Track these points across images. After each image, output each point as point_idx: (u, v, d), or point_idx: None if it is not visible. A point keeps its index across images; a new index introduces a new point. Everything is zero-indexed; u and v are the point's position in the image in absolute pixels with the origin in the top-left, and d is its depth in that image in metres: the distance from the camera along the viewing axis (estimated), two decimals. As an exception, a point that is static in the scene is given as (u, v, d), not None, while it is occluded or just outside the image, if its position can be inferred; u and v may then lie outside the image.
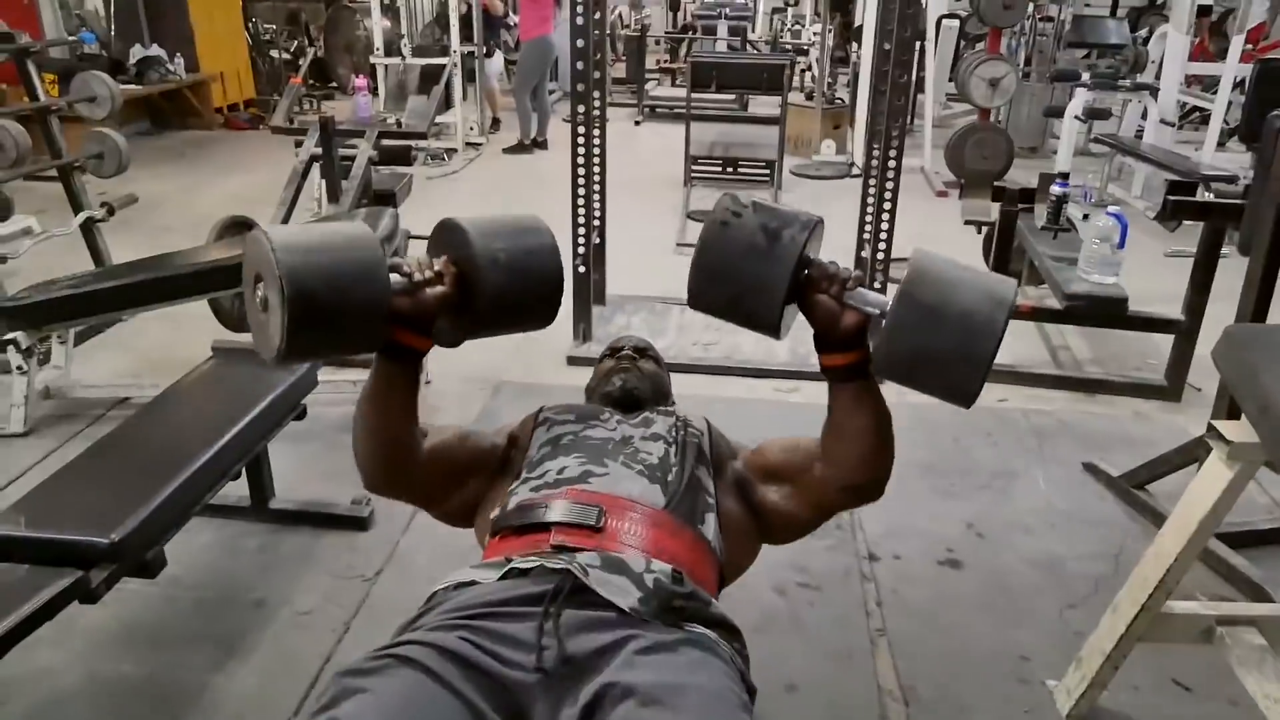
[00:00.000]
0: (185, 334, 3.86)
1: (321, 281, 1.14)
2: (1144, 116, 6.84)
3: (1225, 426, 1.70)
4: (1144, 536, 2.65)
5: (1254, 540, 2.58)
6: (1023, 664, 2.15)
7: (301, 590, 2.33)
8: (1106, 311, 3.38)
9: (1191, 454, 2.59)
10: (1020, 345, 3.88)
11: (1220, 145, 7.22)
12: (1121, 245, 3.44)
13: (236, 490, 2.55)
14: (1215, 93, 6.48)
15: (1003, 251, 3.43)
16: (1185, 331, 3.38)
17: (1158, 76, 6.73)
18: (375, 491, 1.49)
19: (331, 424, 2.99)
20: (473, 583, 1.25)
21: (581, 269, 3.75)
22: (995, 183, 3.33)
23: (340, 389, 3.24)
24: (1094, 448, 3.12)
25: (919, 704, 2.02)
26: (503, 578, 1.23)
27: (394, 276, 1.25)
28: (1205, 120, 8.12)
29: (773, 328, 1.28)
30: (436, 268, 1.30)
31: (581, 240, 3.73)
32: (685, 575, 1.24)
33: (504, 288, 1.29)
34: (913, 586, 2.41)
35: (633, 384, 1.71)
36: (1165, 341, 3.70)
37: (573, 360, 3.76)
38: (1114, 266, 3.44)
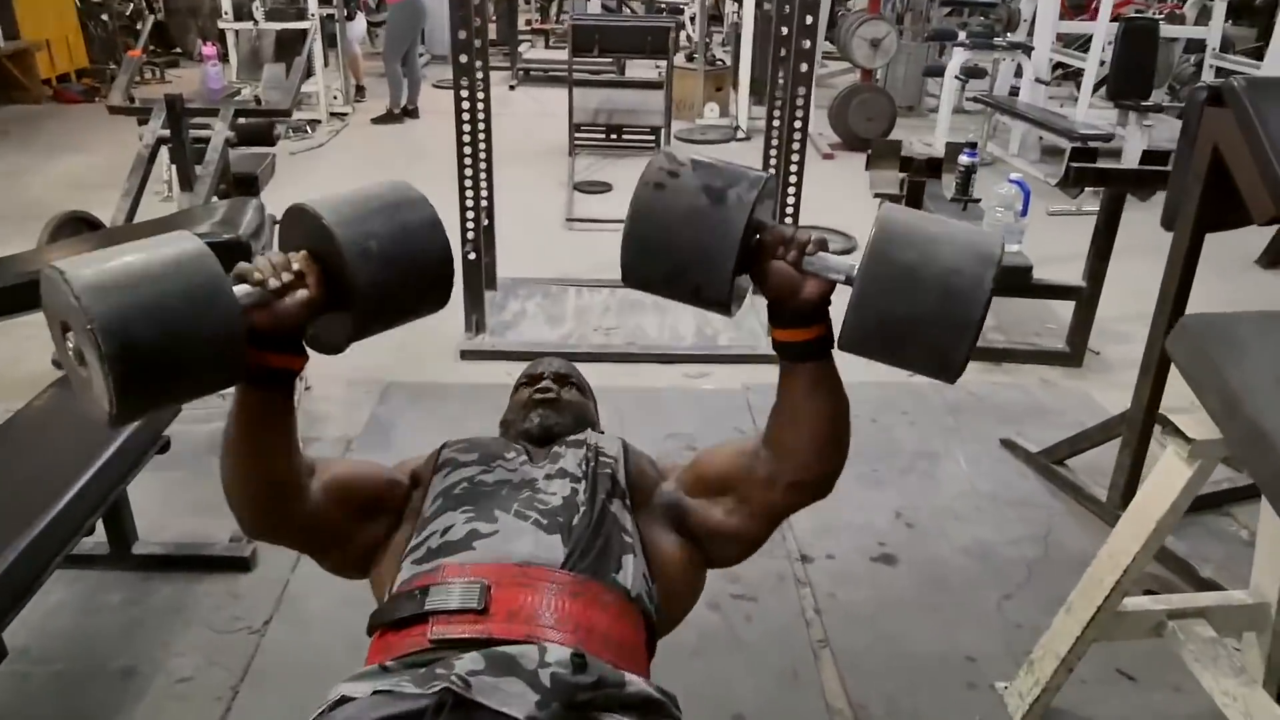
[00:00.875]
0: (19, 347, 3.41)
1: (147, 324, 0.90)
2: (1017, 74, 6.95)
3: (1183, 422, 1.62)
4: (1069, 515, 2.63)
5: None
6: (969, 666, 2.07)
7: (177, 651, 2.03)
8: (1012, 281, 3.35)
9: (1113, 431, 2.57)
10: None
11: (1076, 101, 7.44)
12: (1024, 213, 3.42)
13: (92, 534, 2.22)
14: (1086, 50, 6.61)
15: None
16: (1087, 298, 3.39)
17: (1030, 35, 6.83)
18: (256, 539, 1.28)
19: (199, 446, 2.66)
20: (343, 700, 1.03)
21: (472, 255, 3.47)
22: (903, 153, 3.23)
23: (207, 403, 2.89)
24: (1008, 421, 3.10)
25: (871, 722, 1.92)
26: (376, 692, 1.01)
27: (242, 289, 1.02)
28: (1070, 76, 8.37)
29: (723, 304, 1.09)
30: (295, 267, 1.06)
31: (470, 224, 3.45)
32: (588, 657, 1.04)
33: (382, 279, 1.07)
34: (850, 587, 2.30)
35: (551, 421, 1.49)
36: (1062, 305, 3.73)
37: (466, 354, 3.50)
38: (1017, 234, 3.42)
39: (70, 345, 0.95)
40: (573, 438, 1.42)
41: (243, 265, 1.05)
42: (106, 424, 0.93)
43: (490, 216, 3.88)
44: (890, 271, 1.03)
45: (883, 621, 2.20)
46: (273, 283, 1.03)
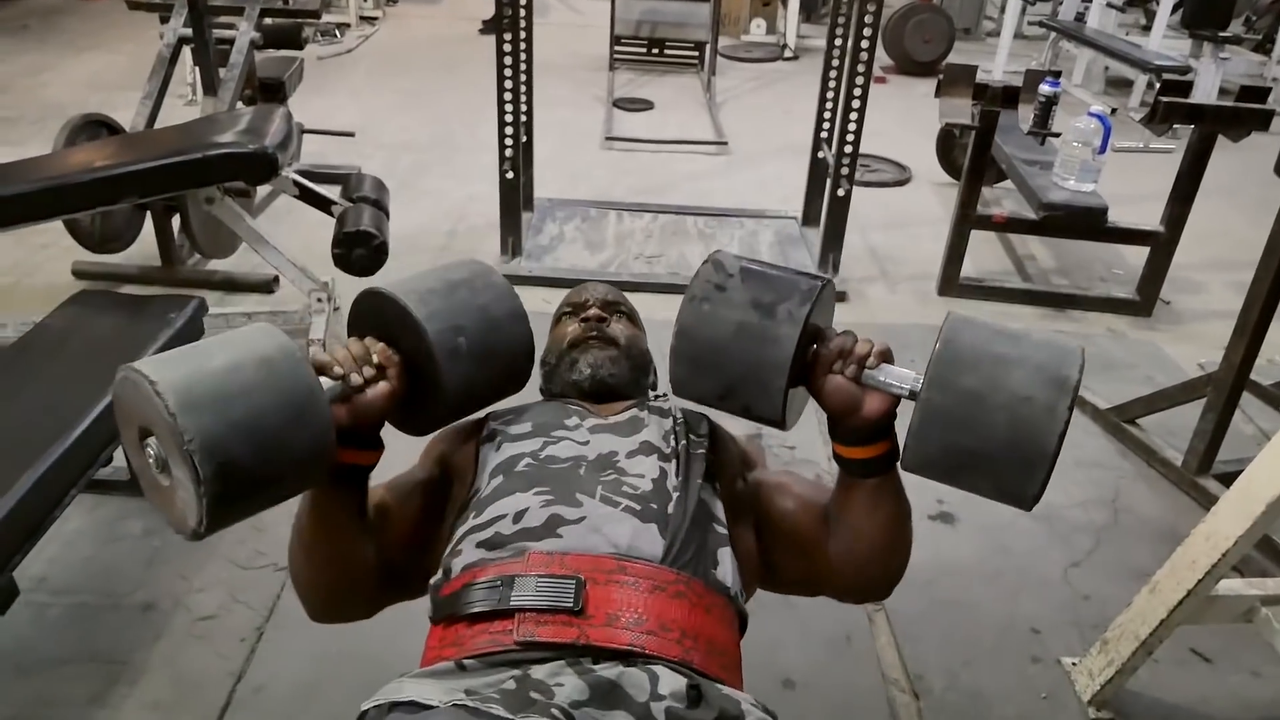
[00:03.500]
0: (35, 256, 3.29)
1: (244, 444, 0.86)
2: (1085, -1, 6.55)
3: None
4: (1139, 479, 2.47)
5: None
6: (1034, 639, 1.95)
7: (199, 587, 1.94)
8: (1085, 223, 3.14)
9: (1196, 391, 2.39)
10: (984, 255, 3.63)
11: (1144, 29, 7.02)
12: (1103, 149, 3.18)
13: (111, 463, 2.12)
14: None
15: (980, 158, 3.11)
16: (1165, 244, 3.17)
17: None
18: (326, 621, 1.18)
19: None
20: (411, 705, 0.89)
21: (510, 174, 3.29)
22: (976, 80, 2.98)
23: (232, 322, 2.76)
24: (1073, 373, 2.92)
25: (930, 696, 1.80)
26: (457, 706, 0.88)
27: (322, 379, 0.97)
28: (1137, 2, 7.90)
29: (777, 420, 1.03)
30: (376, 360, 1.02)
31: (509, 141, 3.25)
32: (704, 686, 0.91)
33: (471, 379, 1.06)
34: (905, 548, 2.17)
35: (605, 372, 1.31)
36: (1130, 249, 3.51)
37: (501, 279, 3.34)
38: (1094, 173, 3.19)
39: (151, 454, 0.89)
40: (653, 404, 1.26)
41: (319, 356, 0.99)
42: (187, 538, 0.88)
43: (529, 133, 3.67)
44: (952, 400, 0.95)
45: (941, 586, 2.07)
46: (355, 379, 0.99)
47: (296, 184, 2.62)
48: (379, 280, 1.07)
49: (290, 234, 3.23)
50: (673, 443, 1.17)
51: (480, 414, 1.27)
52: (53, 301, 2.76)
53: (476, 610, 0.96)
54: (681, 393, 1.08)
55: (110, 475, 2.13)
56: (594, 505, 1.05)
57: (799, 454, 2.50)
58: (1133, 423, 2.58)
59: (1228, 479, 2.36)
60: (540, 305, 3.27)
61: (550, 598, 0.95)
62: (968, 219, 3.22)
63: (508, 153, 3.26)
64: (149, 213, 3.02)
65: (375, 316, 1.07)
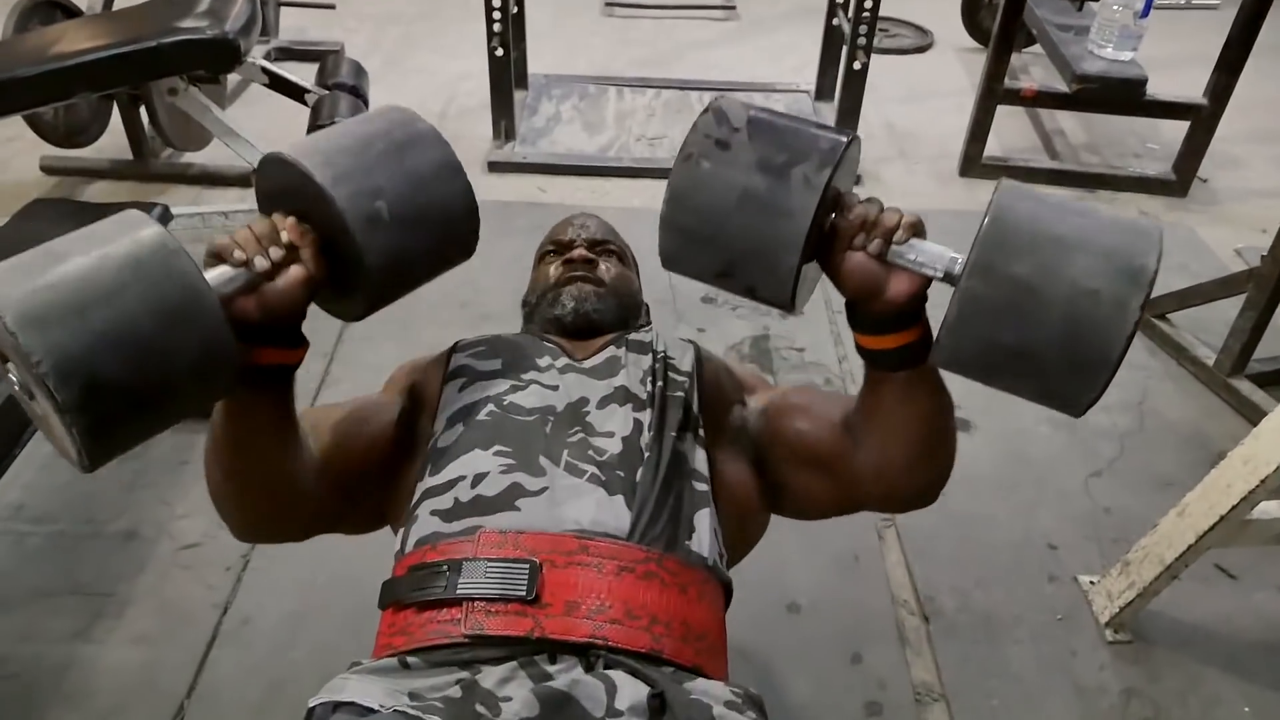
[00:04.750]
0: (3, 149, 3.11)
1: (111, 359, 0.72)
2: None
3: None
4: (1168, 378, 2.34)
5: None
6: (1050, 555, 1.87)
7: (182, 513, 1.87)
8: (1122, 96, 2.90)
9: (1236, 287, 2.23)
10: (1009, 130, 3.39)
11: None
12: (1146, 13, 2.90)
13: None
14: None
15: (1010, 23, 2.84)
16: (1207, 119, 2.93)
17: None
18: (252, 540, 1.07)
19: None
20: (351, 706, 0.81)
21: (499, 51, 3.05)
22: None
23: (208, 222, 2.61)
24: (1101, 262, 2.75)
25: (940, 619, 1.74)
26: (399, 711, 0.79)
27: (221, 272, 0.83)
28: None
29: (785, 304, 0.88)
30: (285, 238, 0.85)
31: (498, 14, 2.99)
32: (669, 694, 0.81)
33: (397, 248, 0.88)
34: (918, 458, 2.08)
35: (589, 306, 1.18)
36: (1166, 122, 3.26)
37: (494, 166, 3.15)
38: (1134, 39, 2.93)
39: (14, 380, 0.75)
40: (634, 337, 1.12)
41: (218, 241, 0.83)
42: (80, 469, 0.75)
43: (520, 2, 3.39)
44: (999, 290, 0.79)
45: (955, 499, 1.93)
46: (259, 263, 0.83)
47: (265, 71, 2.41)
48: (285, 145, 0.87)
49: (268, 120, 3.02)
50: (650, 386, 1.04)
51: (449, 347, 1.15)
52: (22, 199, 2.61)
53: (425, 598, 0.87)
54: (673, 268, 0.93)
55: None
56: (557, 474, 0.94)
57: (808, 356, 2.37)
58: (1163, 318, 2.44)
59: (1263, 379, 2.24)
60: (535, 194, 3.10)
61: (501, 585, 0.85)
62: (994, 93, 2.98)
63: (496, 27, 3.01)
64: (115, 104, 2.82)
65: (282, 189, 0.90)
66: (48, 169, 2.92)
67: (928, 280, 0.86)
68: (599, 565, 0.86)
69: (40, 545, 1.80)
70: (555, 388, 1.04)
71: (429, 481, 0.97)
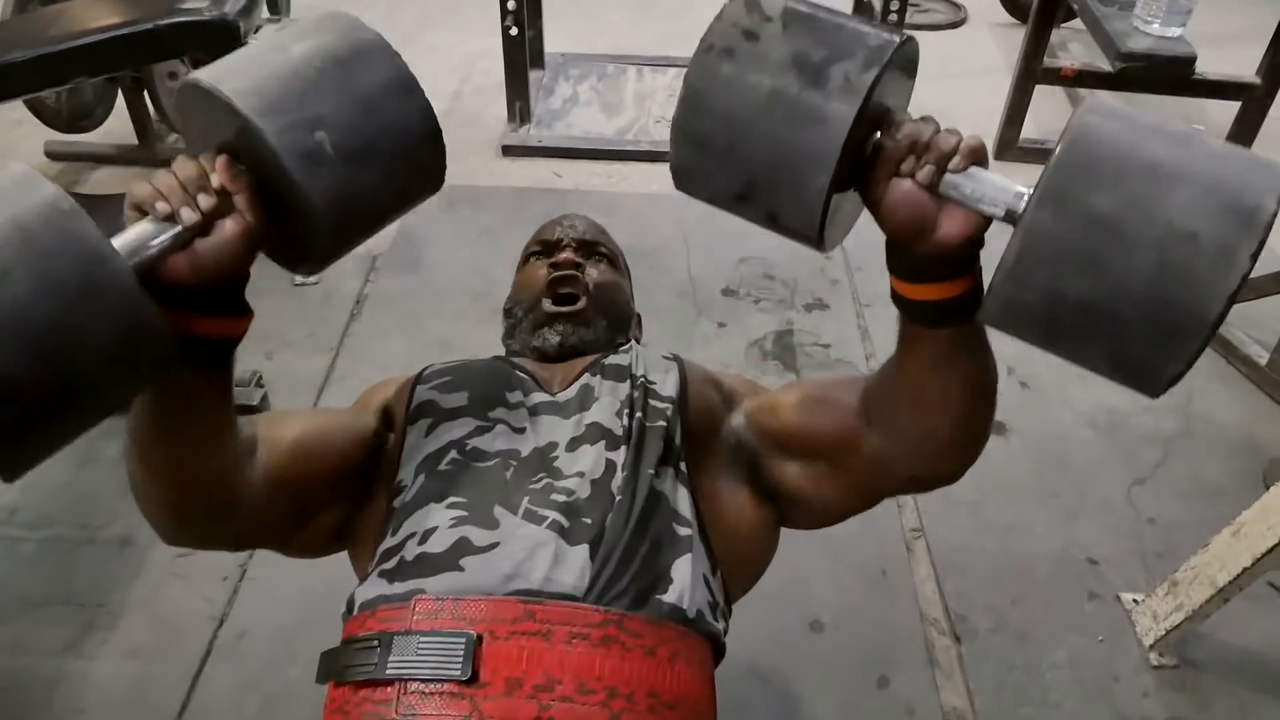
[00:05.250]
0: (10, 133, 3.04)
1: (10, 357, 0.60)
2: None
3: None
4: (1217, 379, 2.21)
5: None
6: (1091, 570, 1.76)
7: (181, 518, 1.80)
8: (1169, 75, 2.74)
9: (1292, 281, 2.10)
10: (1046, 111, 3.23)
11: None
12: (1196, -14, 2.74)
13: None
14: None
15: (1050, -1, 2.70)
16: (1259, 98, 2.77)
17: None
18: (180, 545, 0.92)
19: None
20: None
21: (514, 30, 2.93)
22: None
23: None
24: (1145, 251, 2.61)
25: (973, 640, 1.64)
26: None
27: (142, 228, 0.68)
28: None
29: (811, 235, 0.73)
30: (216, 183, 0.70)
31: (511, -10, 2.88)
32: None
33: (351, 189, 0.73)
34: (949, 463, 1.97)
35: (574, 340, 1.08)
36: (1214, 102, 3.09)
37: (508, 149, 3.05)
38: (1183, 14, 2.76)
39: None
40: (611, 361, 1.02)
41: (137, 191, 0.69)
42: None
43: (536, -22, 3.27)
44: (1074, 227, 0.64)
45: (990, 508, 1.87)
46: (187, 215, 0.68)
47: (268, 53, 2.31)
48: (207, 67, 0.73)
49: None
50: (626, 419, 0.93)
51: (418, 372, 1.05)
52: (25, 187, 2.53)
53: (358, 677, 0.78)
54: (684, 187, 0.79)
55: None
56: (512, 524, 0.84)
57: (834, 353, 2.26)
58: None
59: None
60: (550, 179, 3.00)
61: (435, 663, 0.75)
62: (1033, 72, 2.83)
63: (510, 4, 2.89)
64: (120, 88, 2.74)
65: (209, 124, 0.74)
66: (52, 154, 2.85)
67: (987, 220, 0.71)
68: (547, 633, 0.76)
69: (34, 551, 1.74)
70: (522, 430, 0.94)
71: (387, 542, 0.88)
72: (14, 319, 0.59)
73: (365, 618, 0.82)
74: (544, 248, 1.20)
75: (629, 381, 0.98)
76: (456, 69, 3.59)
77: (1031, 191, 0.66)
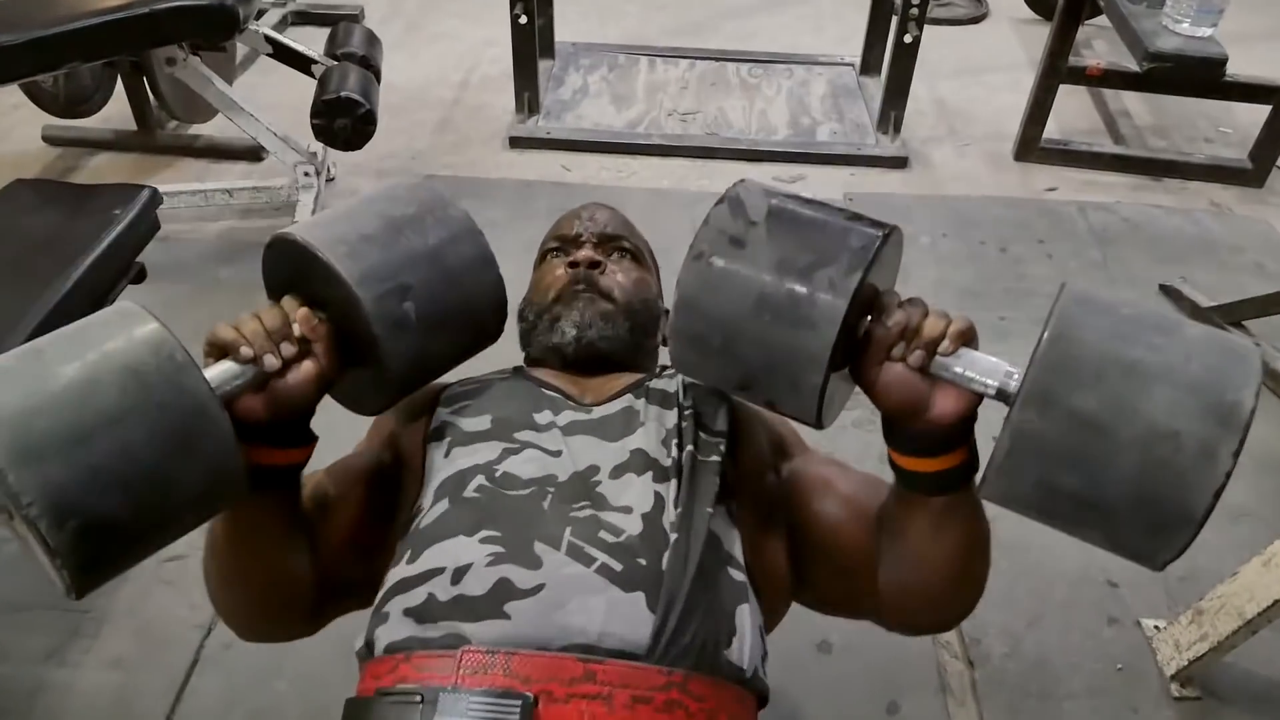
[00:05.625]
0: (7, 117, 2.98)
1: (113, 498, 0.64)
2: None
3: None
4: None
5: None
6: (1111, 594, 1.70)
7: (170, 520, 1.75)
8: (1198, 76, 2.66)
9: (1325, 294, 2.02)
10: (1069, 111, 3.15)
11: None
12: (1229, -17, 2.65)
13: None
14: None
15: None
16: (1291, 101, 2.69)
17: None
18: (259, 641, 1.01)
19: (200, 252, 2.28)
20: None
21: (523, 19, 2.86)
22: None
23: (211, 200, 2.47)
24: (1169, 258, 2.54)
25: (987, 664, 1.58)
26: None
27: (224, 368, 0.75)
28: None
29: (811, 420, 0.78)
30: (298, 331, 0.78)
31: (521, -22, 2.80)
32: None
33: (424, 351, 0.83)
34: (964, 477, 1.90)
35: (595, 333, 1.02)
36: (1241, 105, 3.01)
37: (516, 141, 2.98)
38: (1214, 14, 2.67)
39: None
40: (656, 386, 0.96)
41: (221, 335, 0.74)
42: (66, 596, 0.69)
43: (547, -34, 3.20)
44: (1059, 427, 0.68)
45: (1005, 526, 1.76)
46: (269, 361, 0.75)
47: (270, 40, 2.26)
48: (295, 226, 0.80)
49: (285, 90, 2.88)
50: (675, 450, 0.88)
51: (432, 384, 1.00)
52: (22, 170, 2.48)
53: None
54: (687, 375, 0.87)
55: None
56: (557, 563, 0.77)
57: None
58: (1239, 325, 2.23)
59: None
60: (558, 173, 2.93)
61: None
62: (1057, 71, 2.75)
63: (520, -10, 2.82)
64: (119, 73, 2.68)
65: (293, 268, 0.81)
66: (49, 139, 2.79)
67: (978, 398, 0.75)
68: (608, 696, 0.70)
69: (18, 552, 1.68)
70: (558, 452, 0.88)
71: (404, 570, 0.82)
72: (124, 464, 0.64)
73: (397, 663, 0.76)
74: (562, 244, 1.13)
75: (676, 410, 0.92)
76: (464, 57, 3.52)
77: (1020, 371, 0.70)
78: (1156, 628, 1.61)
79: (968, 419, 0.76)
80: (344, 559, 0.91)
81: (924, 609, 0.90)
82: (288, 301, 0.79)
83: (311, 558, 0.88)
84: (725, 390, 0.84)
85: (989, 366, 0.73)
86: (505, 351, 1.19)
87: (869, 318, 0.76)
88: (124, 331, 0.68)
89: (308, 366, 0.77)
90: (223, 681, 1.51)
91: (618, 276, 1.08)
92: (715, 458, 0.87)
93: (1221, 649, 1.48)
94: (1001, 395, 0.72)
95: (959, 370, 0.74)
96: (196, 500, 0.70)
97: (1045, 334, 0.69)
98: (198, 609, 1.60)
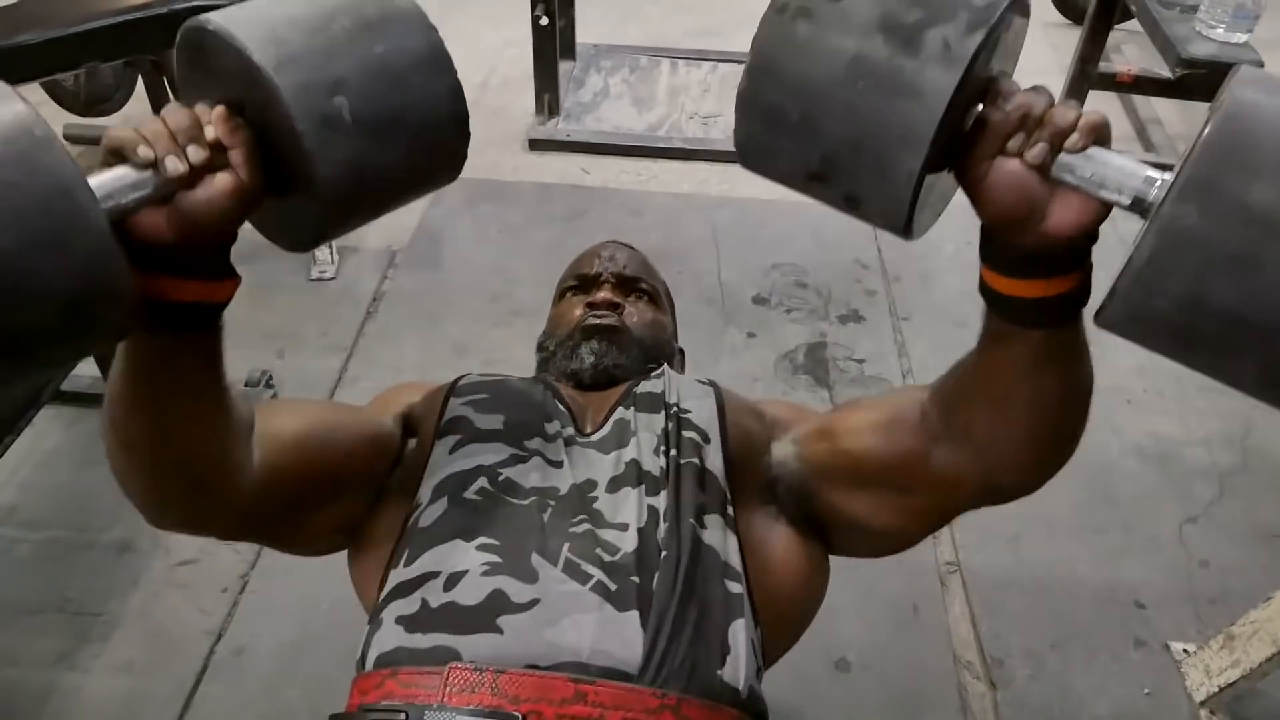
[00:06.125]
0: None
1: None
2: None
3: None
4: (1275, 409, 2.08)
5: None
6: (1138, 615, 1.65)
7: (182, 524, 1.74)
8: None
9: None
10: (1098, 116, 3.10)
11: None
12: (1266, -12, 2.59)
13: (91, 368, 1.90)
14: None
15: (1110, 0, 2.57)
16: (1328, 109, 2.62)
17: None
18: (165, 528, 0.83)
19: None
20: None
21: (544, 20, 2.84)
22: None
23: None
24: (1199, 269, 2.47)
25: (1010, 687, 1.54)
26: None
27: (119, 172, 0.61)
28: None
29: (898, 224, 0.63)
30: (210, 134, 0.63)
31: (543, -21, 2.78)
32: None
33: (363, 162, 0.66)
34: (988, 492, 1.87)
35: (609, 361, 1.02)
36: None
37: (536, 143, 2.95)
38: (1250, 19, 2.61)
39: None
40: (644, 389, 0.95)
41: (118, 134, 0.61)
42: None
43: (570, -34, 3.18)
44: (1223, 223, 0.53)
45: (1030, 543, 1.77)
46: (173, 165, 0.60)
47: (290, 39, 2.24)
48: (217, 10, 0.65)
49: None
50: (664, 457, 0.85)
51: (450, 384, 0.98)
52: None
53: None
54: (750, 163, 0.70)
55: (88, 387, 1.92)
56: (554, 579, 0.75)
57: (868, 369, 2.16)
58: None
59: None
60: (578, 176, 2.91)
61: None
62: (1088, 76, 2.70)
63: (541, -9, 2.80)
64: (139, 72, 2.68)
65: (210, 70, 0.67)
66: (70, 138, 2.79)
67: (1108, 207, 0.62)
68: (599, 718, 0.68)
69: (30, 555, 1.68)
70: (559, 464, 0.86)
71: (401, 572, 0.80)
72: None
73: (383, 678, 0.73)
74: (582, 282, 1.15)
75: (663, 412, 0.90)
76: (484, 58, 3.50)
77: (1168, 177, 0.57)
78: (1186, 651, 1.57)
79: (1090, 235, 0.64)
80: (299, 493, 0.83)
81: (1015, 470, 0.76)
82: (200, 105, 0.65)
83: (251, 461, 0.78)
84: (796, 184, 0.67)
85: (1126, 169, 0.60)
86: (515, 362, 1.18)
87: (981, 105, 0.63)
88: None
89: (224, 178, 0.63)
90: (233, 688, 1.50)
91: (634, 318, 1.10)
92: (695, 459, 0.85)
93: (1254, 676, 1.44)
94: (1137, 206, 0.60)
95: (1088, 173, 0.61)
96: (63, 312, 0.57)
97: (1213, 115, 0.55)
98: (208, 614, 1.59)
